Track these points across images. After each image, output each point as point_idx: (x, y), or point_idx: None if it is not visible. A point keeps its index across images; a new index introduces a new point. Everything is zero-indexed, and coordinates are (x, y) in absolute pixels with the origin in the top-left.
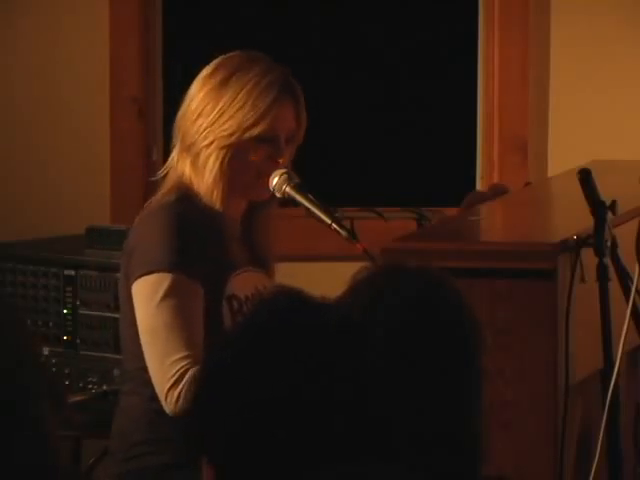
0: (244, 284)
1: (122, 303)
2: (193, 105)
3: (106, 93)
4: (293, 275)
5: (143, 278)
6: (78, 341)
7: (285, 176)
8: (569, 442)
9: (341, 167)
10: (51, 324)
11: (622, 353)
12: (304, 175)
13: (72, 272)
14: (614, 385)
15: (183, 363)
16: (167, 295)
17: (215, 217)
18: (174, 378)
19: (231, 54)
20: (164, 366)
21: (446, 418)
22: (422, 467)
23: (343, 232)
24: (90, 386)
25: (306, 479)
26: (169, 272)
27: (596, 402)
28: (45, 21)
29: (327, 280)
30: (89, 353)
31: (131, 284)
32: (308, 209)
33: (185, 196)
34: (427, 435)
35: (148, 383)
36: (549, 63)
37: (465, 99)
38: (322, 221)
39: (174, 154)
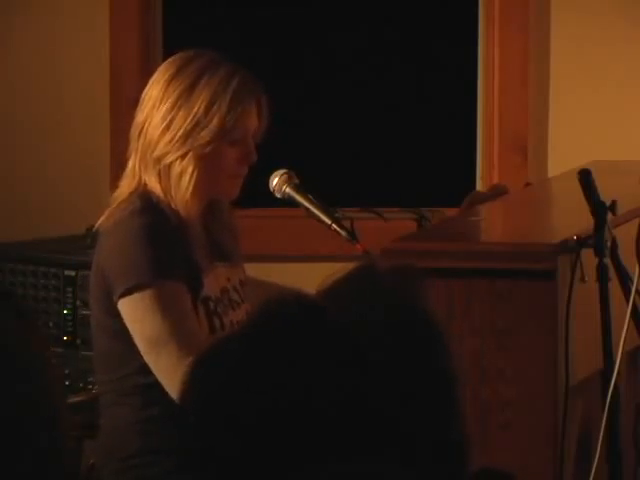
0: (213, 283)
1: (97, 313)
2: (159, 113)
3: (106, 93)
4: (293, 275)
5: (131, 296)
6: (78, 341)
7: (285, 176)
8: (569, 442)
9: (341, 167)
10: (51, 324)
11: (622, 353)
12: (304, 175)
13: (72, 272)
14: (614, 385)
15: None
16: (160, 307)
17: (179, 221)
18: None
19: (189, 54)
20: (178, 376)
21: (418, 418)
22: (413, 467)
23: (343, 232)
24: (90, 386)
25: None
26: (154, 284)
27: (596, 402)
28: (45, 21)
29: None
30: (89, 353)
31: (115, 300)
32: (308, 209)
33: (149, 203)
34: (411, 435)
35: (136, 391)
36: (549, 63)
37: (465, 99)
38: (322, 221)
39: (134, 162)
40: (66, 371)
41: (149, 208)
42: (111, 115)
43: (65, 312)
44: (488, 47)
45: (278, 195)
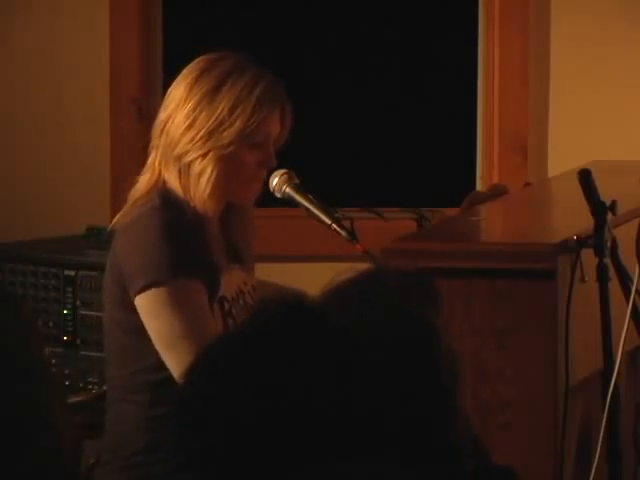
0: (229, 284)
1: (111, 309)
2: (182, 112)
3: (106, 93)
4: (293, 275)
5: (149, 291)
6: (78, 341)
7: (285, 176)
8: (569, 442)
9: (341, 167)
10: (51, 324)
11: (622, 353)
12: (304, 175)
13: (72, 272)
14: (614, 385)
15: None
16: (177, 304)
17: (198, 220)
18: None
19: (216, 56)
20: None
21: (418, 418)
22: (413, 467)
23: (343, 232)
24: (90, 386)
25: (293, 479)
26: (172, 280)
27: (596, 402)
28: (45, 22)
29: (327, 280)
30: (89, 353)
31: (132, 296)
32: (308, 209)
33: (168, 200)
34: (411, 435)
35: (144, 388)
36: (549, 63)
37: (465, 99)
38: (322, 221)
39: (155, 158)
40: (66, 371)
41: (168, 205)
42: (111, 115)
43: (65, 312)
44: (488, 47)
45: (278, 195)
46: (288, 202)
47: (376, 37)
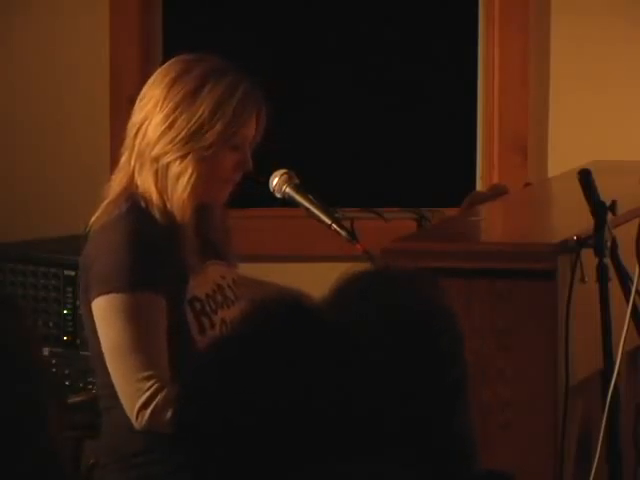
0: (202, 282)
1: (85, 316)
2: (161, 113)
3: (106, 93)
4: (293, 275)
5: (103, 297)
6: (78, 341)
7: (285, 176)
8: (569, 442)
9: (341, 167)
10: (51, 324)
11: (622, 353)
12: (304, 175)
13: (72, 272)
14: (614, 385)
15: (150, 383)
16: (129, 315)
17: (168, 223)
18: (145, 397)
19: (192, 57)
20: (132, 386)
21: (418, 418)
22: (413, 467)
23: (343, 233)
24: (90, 386)
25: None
26: (129, 292)
27: (596, 402)
28: (45, 21)
29: (327, 280)
30: (89, 353)
31: (90, 300)
32: (308, 209)
33: (137, 205)
34: (411, 435)
35: None
36: (549, 63)
37: (465, 99)
38: (322, 222)
39: (129, 159)
40: (66, 371)
41: (135, 213)
42: (111, 115)
43: (65, 312)
44: (488, 47)
45: (278, 195)
46: (288, 202)
47: (376, 37)
